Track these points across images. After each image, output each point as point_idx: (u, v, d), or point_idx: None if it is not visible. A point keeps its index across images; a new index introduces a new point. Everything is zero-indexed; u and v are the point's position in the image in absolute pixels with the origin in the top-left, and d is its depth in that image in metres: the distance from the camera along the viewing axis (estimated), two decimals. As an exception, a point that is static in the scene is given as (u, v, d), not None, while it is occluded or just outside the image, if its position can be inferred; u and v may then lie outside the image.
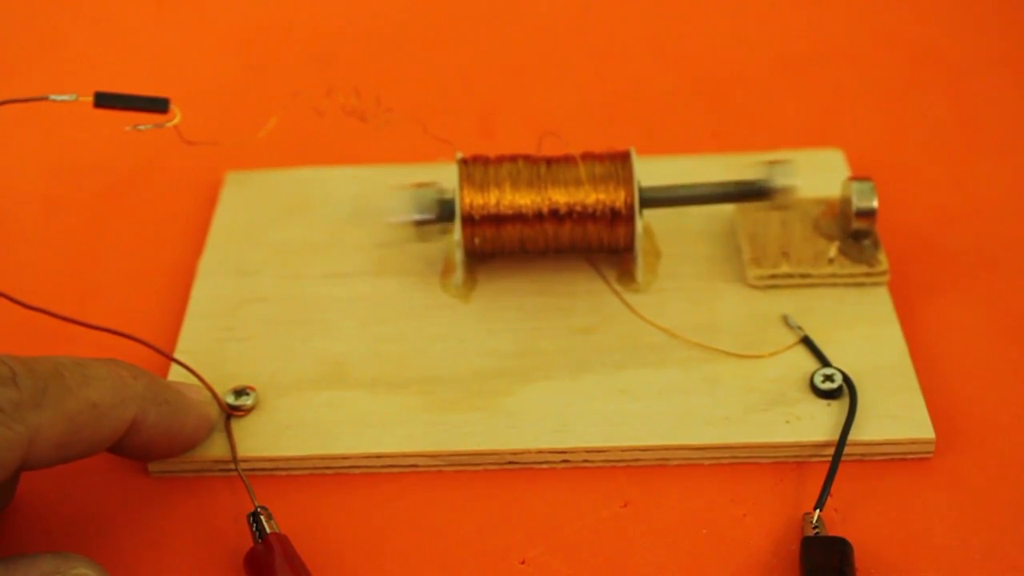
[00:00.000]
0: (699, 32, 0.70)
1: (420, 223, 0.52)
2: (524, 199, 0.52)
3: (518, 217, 0.52)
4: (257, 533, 0.44)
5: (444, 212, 0.52)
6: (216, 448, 0.48)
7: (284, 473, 0.48)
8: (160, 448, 0.46)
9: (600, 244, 0.53)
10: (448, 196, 0.52)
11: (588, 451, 0.47)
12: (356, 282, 0.54)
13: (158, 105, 0.47)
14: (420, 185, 0.53)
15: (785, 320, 0.52)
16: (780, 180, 0.52)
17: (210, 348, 0.52)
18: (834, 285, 0.53)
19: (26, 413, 0.40)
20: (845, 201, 0.53)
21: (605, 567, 0.45)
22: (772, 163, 0.52)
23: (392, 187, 0.53)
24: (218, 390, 0.49)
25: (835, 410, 0.48)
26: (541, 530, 0.46)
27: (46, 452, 0.41)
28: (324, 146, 0.61)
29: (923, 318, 0.52)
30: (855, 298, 0.52)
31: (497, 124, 0.64)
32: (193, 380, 0.48)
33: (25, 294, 0.46)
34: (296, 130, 0.57)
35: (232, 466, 0.47)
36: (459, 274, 0.53)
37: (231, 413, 0.49)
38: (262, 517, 0.45)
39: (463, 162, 0.53)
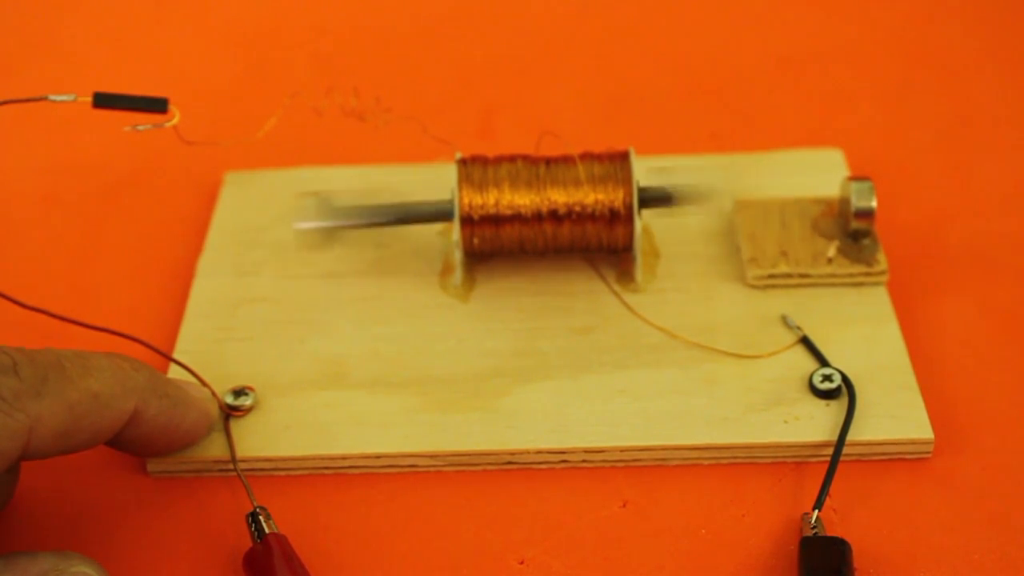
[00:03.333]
0: (699, 32, 0.70)
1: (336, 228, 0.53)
2: (523, 199, 0.52)
3: (517, 217, 0.52)
4: (256, 533, 0.45)
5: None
6: (215, 448, 0.48)
7: (283, 473, 0.48)
8: (160, 442, 0.46)
9: (599, 244, 0.53)
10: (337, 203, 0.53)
11: (587, 451, 0.47)
12: (355, 282, 0.54)
13: (157, 105, 0.47)
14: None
15: (784, 320, 0.52)
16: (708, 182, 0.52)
17: (209, 348, 0.52)
18: (833, 285, 0.53)
19: (27, 402, 0.40)
20: (844, 201, 0.53)
21: (604, 567, 0.45)
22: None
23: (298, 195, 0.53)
24: (217, 390, 0.49)
25: (834, 410, 0.48)
26: (540, 530, 0.46)
27: (47, 441, 0.41)
28: (323, 146, 0.62)
29: (922, 318, 0.52)
30: (854, 298, 0.52)
31: (496, 124, 0.64)
32: (192, 380, 0.48)
33: (25, 294, 0.46)
34: (295, 130, 0.57)
35: (231, 466, 0.47)
36: (458, 274, 0.53)
37: (230, 413, 0.49)
38: (261, 517, 0.45)
39: (462, 162, 0.53)
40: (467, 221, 0.52)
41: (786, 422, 0.48)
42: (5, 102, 0.46)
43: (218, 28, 0.72)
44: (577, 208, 0.52)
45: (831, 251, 0.53)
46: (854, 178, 0.53)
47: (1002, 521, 0.45)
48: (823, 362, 0.50)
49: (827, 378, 0.49)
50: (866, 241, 0.53)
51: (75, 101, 0.46)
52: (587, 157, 0.52)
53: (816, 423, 0.48)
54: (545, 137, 0.53)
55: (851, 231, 0.53)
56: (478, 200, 0.52)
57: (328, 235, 0.53)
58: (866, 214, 0.52)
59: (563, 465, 0.48)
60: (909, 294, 0.53)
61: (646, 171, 0.53)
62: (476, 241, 0.52)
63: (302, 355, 0.51)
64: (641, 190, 0.52)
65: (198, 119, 0.51)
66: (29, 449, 0.41)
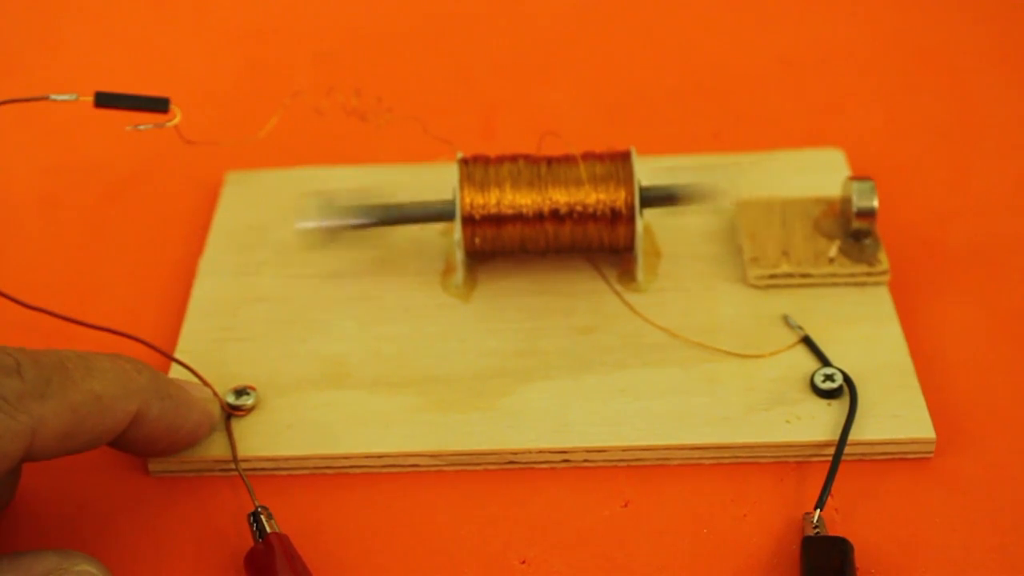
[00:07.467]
0: (699, 32, 0.70)
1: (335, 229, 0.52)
2: (525, 199, 0.52)
3: (518, 217, 0.52)
4: (257, 533, 0.45)
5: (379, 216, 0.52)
6: (216, 448, 0.48)
7: (284, 473, 0.48)
8: (162, 443, 0.46)
9: (600, 244, 0.53)
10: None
11: (588, 451, 0.47)
12: (356, 282, 0.54)
13: (158, 105, 0.47)
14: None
15: (785, 320, 0.52)
16: (722, 183, 0.52)
17: (210, 348, 0.52)
18: (834, 285, 0.53)
19: (30, 403, 0.40)
20: (845, 201, 0.53)
21: (605, 567, 0.45)
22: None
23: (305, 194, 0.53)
24: (218, 390, 0.49)
25: (835, 410, 0.48)
26: (541, 530, 0.46)
27: (50, 443, 0.41)
28: (324, 146, 0.61)
29: (923, 317, 0.52)
30: (855, 298, 0.52)
31: (497, 124, 0.64)
32: (194, 380, 0.48)
33: (25, 294, 0.46)
34: (296, 130, 0.57)
35: (232, 466, 0.47)
36: (459, 274, 0.53)
37: (231, 413, 0.49)
38: (262, 517, 0.45)
39: (463, 162, 0.53)
40: (468, 221, 0.52)
41: (788, 422, 0.48)
42: (6, 102, 0.46)
43: (218, 28, 0.72)
44: (579, 208, 0.52)
45: (832, 251, 0.53)
46: (855, 178, 0.53)
47: (1004, 521, 0.45)
48: (825, 362, 0.50)
49: (829, 378, 0.49)
50: (867, 241, 0.53)
51: (76, 101, 0.46)
52: (589, 157, 0.52)
53: (818, 423, 0.48)
54: (547, 137, 0.53)
55: (852, 231, 0.53)
56: (479, 200, 0.52)
57: (330, 235, 0.53)
58: (868, 214, 0.52)
59: (565, 465, 0.48)
60: (911, 294, 0.53)
61: (652, 171, 0.53)
62: (478, 241, 0.52)
63: (303, 355, 0.51)
64: (643, 190, 0.52)
65: (199, 119, 0.51)
66: (32, 451, 0.41)
